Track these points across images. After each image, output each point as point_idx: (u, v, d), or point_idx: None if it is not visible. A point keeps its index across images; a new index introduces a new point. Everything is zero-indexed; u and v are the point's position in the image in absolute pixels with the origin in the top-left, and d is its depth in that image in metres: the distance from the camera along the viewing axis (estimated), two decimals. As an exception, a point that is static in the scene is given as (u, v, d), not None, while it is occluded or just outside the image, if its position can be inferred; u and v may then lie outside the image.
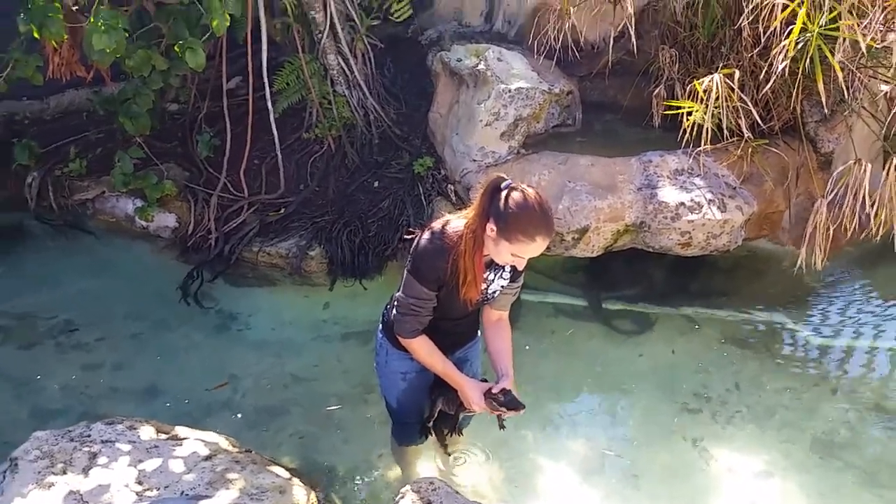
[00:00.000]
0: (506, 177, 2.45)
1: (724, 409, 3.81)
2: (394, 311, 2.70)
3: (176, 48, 4.62)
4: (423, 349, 2.68)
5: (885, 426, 3.71)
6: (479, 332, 3.02)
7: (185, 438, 3.03)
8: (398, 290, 2.67)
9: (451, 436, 3.20)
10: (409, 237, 2.63)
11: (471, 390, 2.67)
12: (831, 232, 4.14)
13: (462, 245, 2.45)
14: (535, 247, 2.38)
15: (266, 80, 5.02)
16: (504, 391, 2.65)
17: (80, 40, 4.52)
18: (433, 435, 3.12)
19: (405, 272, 2.60)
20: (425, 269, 2.52)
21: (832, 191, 4.13)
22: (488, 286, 2.64)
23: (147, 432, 3.01)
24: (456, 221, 2.54)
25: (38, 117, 5.67)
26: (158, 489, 2.71)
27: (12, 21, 4.33)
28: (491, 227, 2.40)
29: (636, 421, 3.79)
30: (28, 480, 2.65)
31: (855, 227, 4.10)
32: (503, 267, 2.61)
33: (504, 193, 2.39)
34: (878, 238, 4.15)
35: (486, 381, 2.79)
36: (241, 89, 5.47)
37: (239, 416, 3.77)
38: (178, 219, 5.05)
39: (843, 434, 3.67)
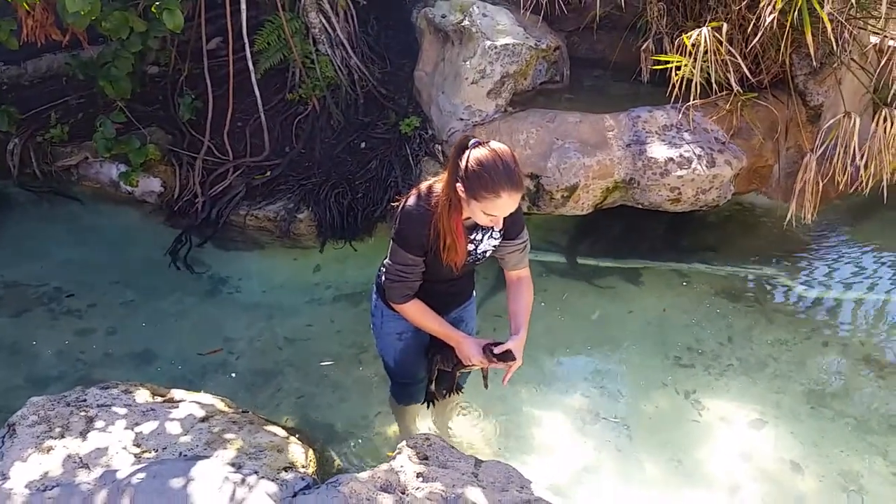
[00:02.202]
0: (472, 136, 2.42)
1: (717, 362, 3.86)
2: (383, 278, 2.69)
3: (153, 9, 4.52)
4: (416, 313, 2.68)
5: (876, 376, 3.77)
6: (473, 293, 3.02)
7: (181, 401, 3.03)
8: (386, 258, 2.66)
9: (450, 395, 3.22)
10: (396, 204, 2.60)
11: (468, 346, 2.68)
12: (821, 186, 4.16)
13: (439, 209, 2.44)
14: (503, 202, 2.34)
15: (246, 40, 4.93)
16: (501, 349, 2.65)
17: (54, 2, 4.42)
18: (438, 401, 3.14)
19: (391, 239, 2.59)
20: (408, 235, 2.51)
21: (822, 144, 4.14)
22: (476, 247, 2.63)
23: (142, 396, 3.01)
24: (438, 185, 2.51)
25: (16, 82, 5.56)
26: (156, 451, 2.71)
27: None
28: (460, 189, 2.37)
29: (629, 375, 3.83)
30: (27, 445, 2.65)
31: (848, 180, 4.12)
32: (491, 226, 2.61)
33: (468, 153, 2.35)
34: (868, 191, 4.18)
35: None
36: (222, 50, 5.38)
37: (235, 377, 3.77)
38: (164, 183, 4.99)
39: (835, 384, 3.73)
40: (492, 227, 2.59)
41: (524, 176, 4.28)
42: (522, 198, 4.25)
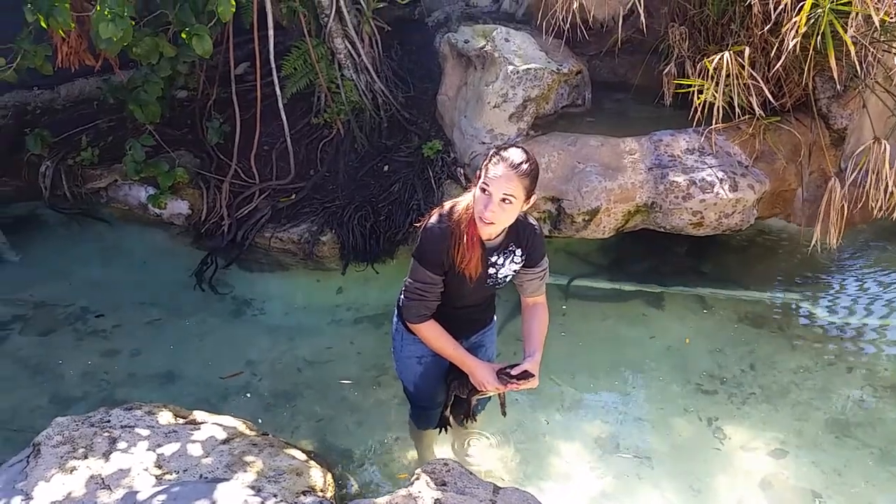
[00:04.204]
0: None
1: (739, 389, 3.82)
2: (401, 296, 2.72)
3: (183, 35, 4.61)
4: (432, 334, 2.69)
5: (901, 404, 3.72)
6: (494, 318, 3.04)
7: (202, 423, 3.07)
8: (407, 277, 2.69)
9: (467, 421, 3.23)
10: (419, 225, 2.64)
11: (482, 373, 2.69)
12: (846, 211, 4.12)
13: (462, 225, 2.49)
14: (498, 171, 2.38)
15: (273, 65, 5.02)
16: (518, 370, 2.67)
17: (88, 29, 4.53)
18: (451, 426, 3.15)
19: (412, 257, 2.63)
20: (429, 253, 2.55)
21: (853, 171, 4.09)
22: (497, 271, 2.65)
23: (165, 417, 3.05)
24: (461, 205, 2.56)
25: (49, 107, 5.69)
26: (177, 472, 2.74)
27: (20, 14, 4.32)
28: (476, 176, 2.46)
29: (650, 402, 3.80)
30: (51, 465, 2.70)
31: (882, 206, 4.08)
32: (513, 251, 2.63)
33: None
34: (895, 216, 4.13)
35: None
36: (250, 75, 5.47)
37: (255, 399, 3.80)
38: (191, 206, 5.07)
39: (858, 413, 3.67)
40: (513, 252, 2.62)
41: (546, 198, 4.32)
42: (543, 221, 4.30)
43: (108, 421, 2.97)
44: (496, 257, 2.62)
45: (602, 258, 4.79)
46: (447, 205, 2.59)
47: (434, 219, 2.55)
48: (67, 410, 3.48)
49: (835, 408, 3.69)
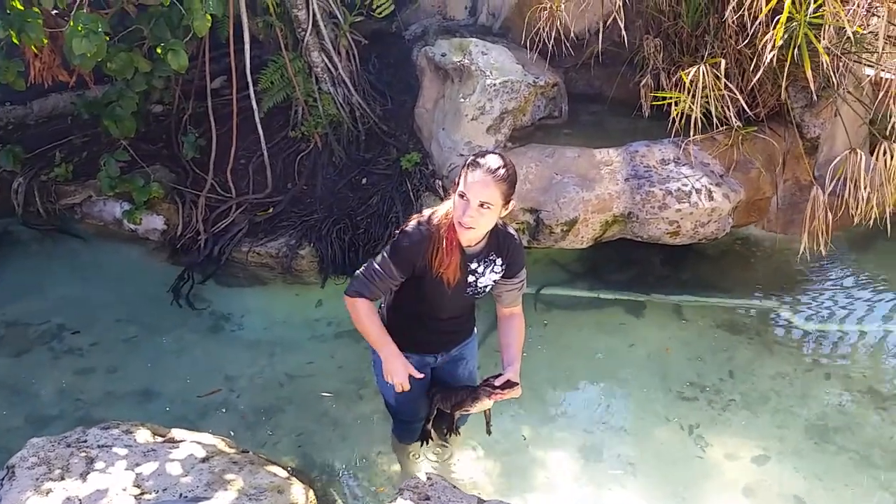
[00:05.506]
0: None
1: (719, 396, 3.84)
2: (358, 271, 2.68)
3: (158, 50, 4.58)
4: (361, 311, 2.65)
5: (879, 408, 3.75)
6: (475, 330, 3.04)
7: (181, 441, 3.03)
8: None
9: (449, 435, 3.21)
10: (398, 232, 2.64)
11: (393, 363, 2.66)
12: (830, 219, 4.16)
13: (441, 230, 2.52)
14: (475, 177, 2.40)
15: (250, 79, 5.00)
16: (500, 380, 2.67)
17: (61, 44, 4.49)
18: (433, 440, 3.14)
19: (383, 247, 2.63)
20: (402, 250, 2.56)
21: (831, 181, 4.13)
22: (477, 279, 2.66)
23: (143, 436, 3.01)
24: (439, 213, 2.58)
25: (22, 122, 5.61)
26: (157, 492, 2.71)
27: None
28: (454, 184, 2.47)
29: (632, 410, 3.81)
30: (26, 487, 2.65)
31: (861, 213, 4.13)
32: (494, 260, 2.64)
33: None
34: (871, 223, 4.19)
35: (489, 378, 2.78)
36: (226, 89, 5.45)
37: (235, 416, 3.76)
38: (167, 221, 5.02)
39: (837, 418, 3.70)
40: (493, 261, 2.62)
41: (524, 209, 4.33)
42: (522, 232, 4.31)
43: (85, 441, 2.93)
44: (476, 265, 2.62)
45: (580, 268, 4.81)
46: (426, 212, 2.62)
47: (413, 223, 2.58)
48: (43, 431, 3.40)
49: (814, 413, 3.73)
